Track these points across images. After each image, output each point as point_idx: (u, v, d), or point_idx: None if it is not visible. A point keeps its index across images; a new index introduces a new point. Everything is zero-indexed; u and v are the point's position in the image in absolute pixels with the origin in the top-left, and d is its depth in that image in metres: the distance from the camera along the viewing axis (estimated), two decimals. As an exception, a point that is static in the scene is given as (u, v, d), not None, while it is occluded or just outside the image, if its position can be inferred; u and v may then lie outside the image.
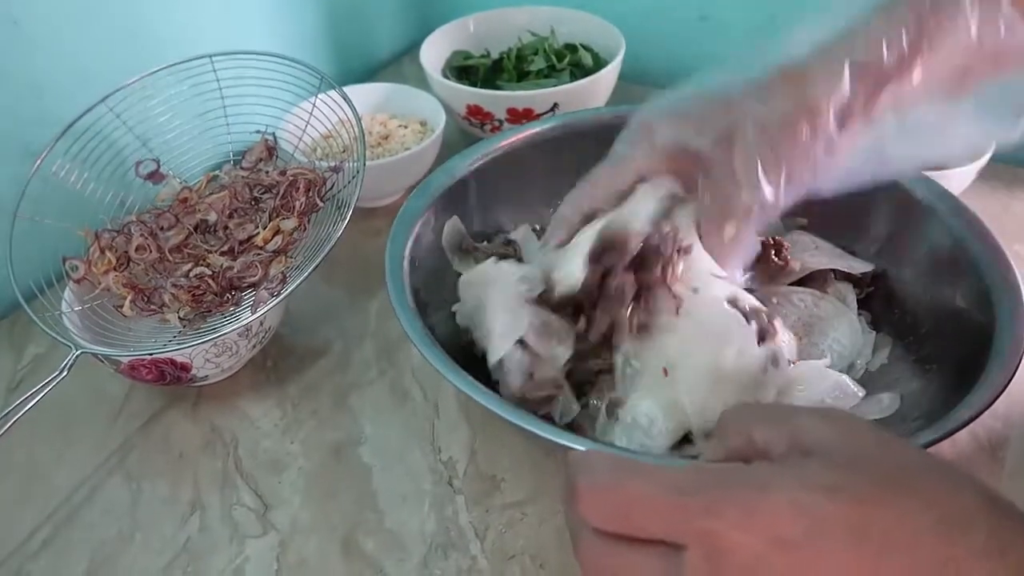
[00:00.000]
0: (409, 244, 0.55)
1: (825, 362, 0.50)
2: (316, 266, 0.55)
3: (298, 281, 0.55)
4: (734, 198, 0.46)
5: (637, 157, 0.50)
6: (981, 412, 0.42)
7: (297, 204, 0.61)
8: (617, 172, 0.51)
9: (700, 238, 0.48)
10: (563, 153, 0.63)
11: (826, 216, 0.60)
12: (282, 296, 0.56)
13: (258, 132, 0.67)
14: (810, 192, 0.46)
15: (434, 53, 0.86)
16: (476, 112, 0.79)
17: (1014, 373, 0.44)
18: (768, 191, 0.44)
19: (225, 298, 0.58)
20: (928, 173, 0.60)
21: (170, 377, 0.56)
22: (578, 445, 0.42)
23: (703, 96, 0.48)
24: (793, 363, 0.49)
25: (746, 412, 0.32)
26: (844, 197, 0.58)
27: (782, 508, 0.26)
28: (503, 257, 0.56)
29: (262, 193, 0.63)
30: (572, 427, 0.50)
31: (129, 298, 0.58)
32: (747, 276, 0.52)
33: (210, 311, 0.58)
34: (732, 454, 0.31)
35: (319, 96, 0.67)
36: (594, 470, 0.29)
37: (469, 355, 0.52)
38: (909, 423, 0.48)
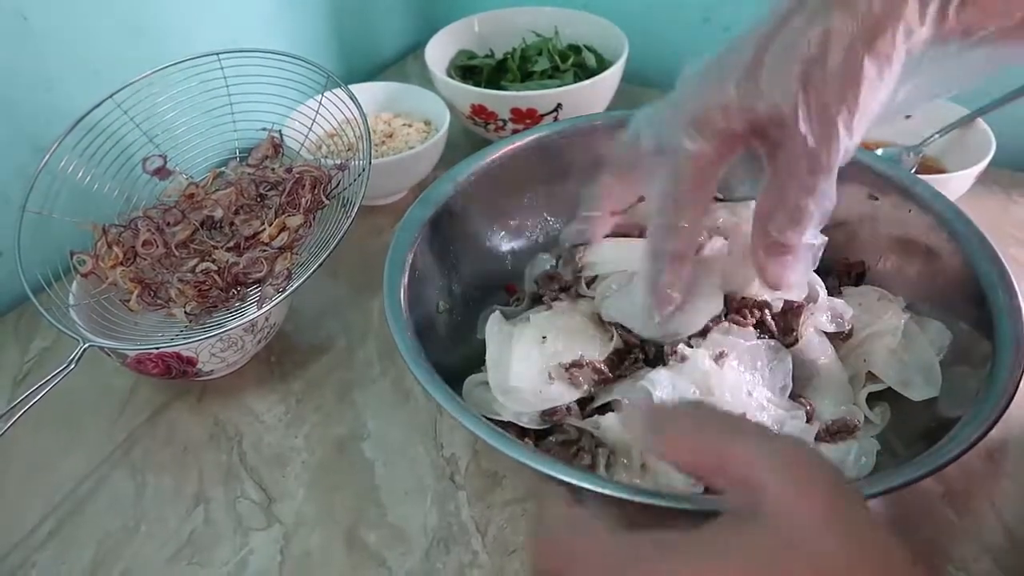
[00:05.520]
0: (410, 256, 0.54)
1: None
2: (321, 263, 0.56)
3: (303, 278, 0.56)
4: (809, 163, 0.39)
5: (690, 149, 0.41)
6: (975, 443, 0.42)
7: (303, 201, 0.61)
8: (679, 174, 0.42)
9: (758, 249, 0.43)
10: (567, 158, 0.64)
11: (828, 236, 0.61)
12: (287, 292, 0.56)
13: (264, 129, 0.67)
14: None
15: (439, 52, 0.86)
16: (480, 112, 0.79)
17: (1008, 403, 0.43)
18: (845, 138, 0.38)
19: (231, 294, 0.59)
20: (928, 177, 0.61)
21: (176, 371, 0.56)
22: (559, 474, 0.41)
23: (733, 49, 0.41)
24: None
25: (699, 422, 0.32)
26: (857, 212, 0.57)
27: None
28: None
29: (268, 190, 0.64)
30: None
31: (136, 292, 0.58)
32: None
33: (216, 306, 0.59)
34: (688, 468, 0.32)
35: (325, 94, 0.67)
36: (550, 521, 0.32)
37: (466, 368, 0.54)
38: (904, 449, 0.49)
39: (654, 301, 0.46)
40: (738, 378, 0.49)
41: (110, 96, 0.63)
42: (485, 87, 0.83)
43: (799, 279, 0.44)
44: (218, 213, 0.63)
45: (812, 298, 0.53)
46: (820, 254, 0.44)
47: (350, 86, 0.66)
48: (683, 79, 0.43)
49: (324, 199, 0.62)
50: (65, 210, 0.61)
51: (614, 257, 0.55)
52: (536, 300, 0.59)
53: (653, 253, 0.45)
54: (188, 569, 0.50)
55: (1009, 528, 0.49)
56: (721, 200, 0.61)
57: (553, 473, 0.41)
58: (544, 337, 0.52)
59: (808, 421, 0.50)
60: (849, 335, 0.54)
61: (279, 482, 0.55)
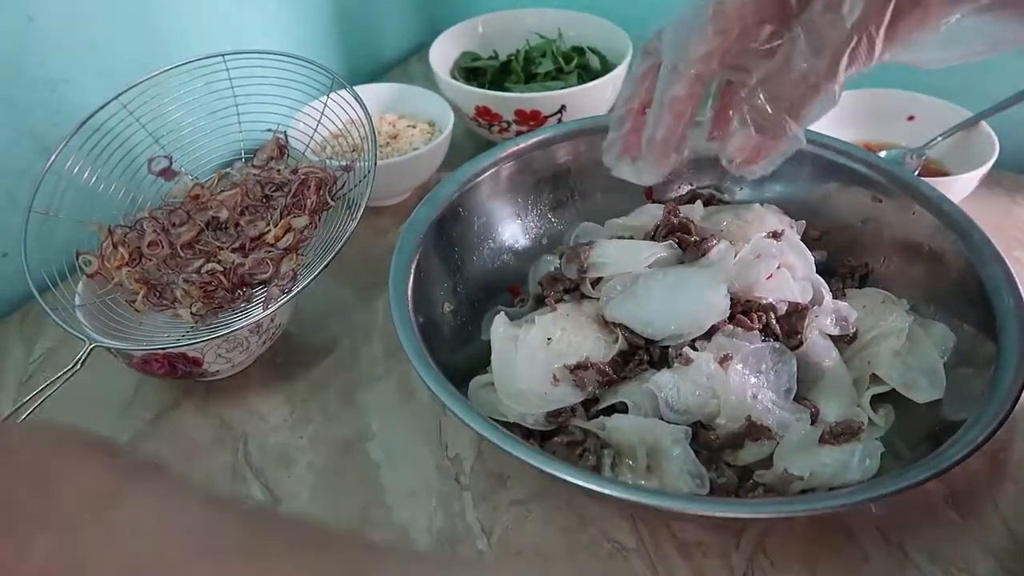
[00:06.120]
0: (415, 257, 0.55)
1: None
2: (327, 264, 0.56)
3: (309, 279, 0.56)
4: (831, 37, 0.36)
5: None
6: (979, 446, 0.42)
7: (308, 202, 0.61)
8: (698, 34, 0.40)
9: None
10: (571, 160, 0.64)
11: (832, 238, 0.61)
12: (293, 293, 0.56)
13: (269, 130, 0.67)
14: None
15: (443, 54, 0.86)
16: (484, 113, 0.79)
17: (1012, 406, 0.44)
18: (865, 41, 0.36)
19: (236, 294, 0.59)
20: (931, 180, 0.61)
21: (182, 371, 0.57)
22: (564, 475, 0.42)
23: None
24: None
25: None
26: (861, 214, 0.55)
27: None
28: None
29: (273, 191, 0.64)
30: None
31: (141, 293, 0.58)
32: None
33: (221, 307, 0.59)
34: None
35: (330, 95, 0.67)
36: None
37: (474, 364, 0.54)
38: (908, 451, 0.49)
39: (649, 154, 0.44)
40: (743, 381, 0.49)
41: (116, 97, 0.64)
42: (489, 89, 0.83)
43: (759, 172, 0.42)
44: (223, 214, 0.63)
45: (816, 301, 0.54)
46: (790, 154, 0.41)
47: (354, 87, 0.66)
48: None
49: (329, 200, 0.62)
50: (71, 211, 0.62)
51: (619, 258, 0.55)
52: (540, 302, 0.59)
53: (656, 103, 0.43)
54: (194, 569, 0.50)
55: (1013, 530, 0.50)
56: (726, 203, 0.62)
57: (558, 474, 0.42)
58: (549, 339, 0.52)
59: (812, 423, 0.50)
60: (853, 337, 0.54)
61: (284, 483, 0.55)
